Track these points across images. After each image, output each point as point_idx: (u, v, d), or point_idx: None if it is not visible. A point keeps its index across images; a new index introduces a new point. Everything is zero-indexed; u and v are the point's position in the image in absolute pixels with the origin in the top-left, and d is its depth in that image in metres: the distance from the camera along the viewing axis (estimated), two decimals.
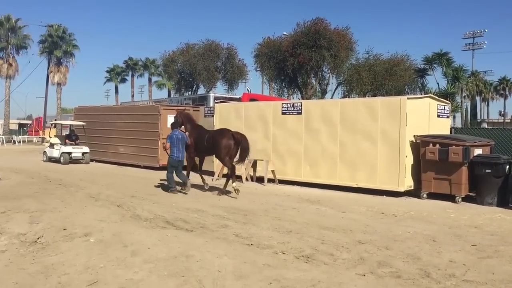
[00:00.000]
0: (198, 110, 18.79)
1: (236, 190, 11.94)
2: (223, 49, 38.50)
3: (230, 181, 12.44)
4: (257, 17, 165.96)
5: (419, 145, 12.31)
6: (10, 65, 47.06)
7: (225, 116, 16.68)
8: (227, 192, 12.35)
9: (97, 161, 21.70)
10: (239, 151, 12.62)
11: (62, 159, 20.77)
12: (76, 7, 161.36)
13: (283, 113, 15.00)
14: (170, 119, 18.78)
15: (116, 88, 67.00)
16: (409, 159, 12.38)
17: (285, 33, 33.76)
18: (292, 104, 14.93)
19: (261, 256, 6.16)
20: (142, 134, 19.53)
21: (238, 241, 7.06)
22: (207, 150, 13.26)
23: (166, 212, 9.58)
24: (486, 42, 68.67)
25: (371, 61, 29.55)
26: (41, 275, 5.38)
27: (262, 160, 15.14)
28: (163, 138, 18.65)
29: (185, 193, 12.33)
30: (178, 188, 12.68)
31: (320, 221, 8.92)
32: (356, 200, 11.82)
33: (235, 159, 12.75)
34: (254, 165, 15.43)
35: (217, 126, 16.81)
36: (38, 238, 7.12)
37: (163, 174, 17.37)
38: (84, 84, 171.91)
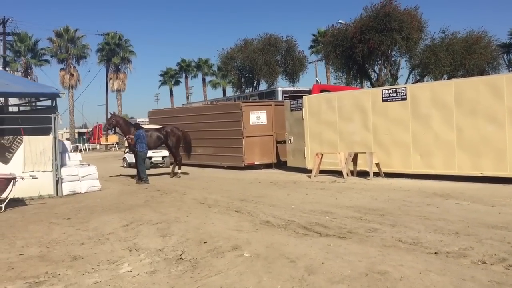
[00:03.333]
0: (283, 105, 17.84)
1: (176, 174, 16.73)
2: (283, 42, 37.44)
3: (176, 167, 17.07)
4: (311, 7, 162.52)
5: None
6: (72, 75, 47.98)
7: (315, 108, 15.67)
8: (174, 175, 16.79)
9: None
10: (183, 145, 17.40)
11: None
12: (128, 12, 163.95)
13: (384, 100, 13.83)
14: (253, 116, 18.08)
15: (171, 90, 67.33)
16: None
17: (340, 20, 32.33)
18: (394, 89, 13.73)
19: (467, 269, 5.10)
20: (224, 134, 18.85)
21: (412, 248, 6.03)
22: (157, 146, 17.52)
23: (293, 215, 8.70)
24: None
25: (448, 40, 27.64)
26: None
27: (364, 152, 14.03)
28: (247, 136, 18.03)
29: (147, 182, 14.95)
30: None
31: (477, 218, 7.76)
32: (492, 191, 10.55)
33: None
34: (354, 158, 14.35)
35: (307, 119, 15.88)
36: (181, 254, 6.36)
37: (251, 174, 16.78)
38: (139, 89, 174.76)
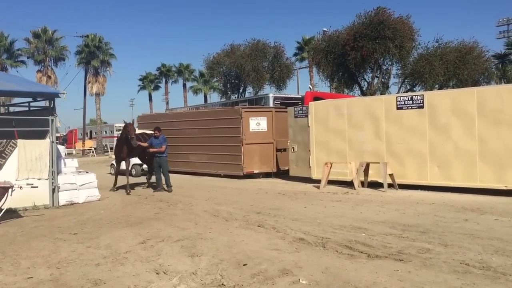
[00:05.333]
0: (284, 112, 17.08)
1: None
2: (270, 48, 36.77)
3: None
4: (296, 14, 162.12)
5: None
6: (49, 77, 46.23)
7: (322, 115, 14.96)
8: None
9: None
10: None
11: (133, 172, 19.27)
12: (108, 14, 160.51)
13: (398, 108, 13.21)
14: (252, 122, 17.28)
15: (150, 95, 66.10)
16: None
17: (324, 28, 31.93)
18: (410, 97, 13.12)
19: None
20: (222, 140, 17.95)
21: (491, 275, 5.29)
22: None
23: (324, 231, 7.91)
24: None
25: (442, 49, 27.42)
26: None
27: (377, 162, 13.36)
28: (246, 144, 17.21)
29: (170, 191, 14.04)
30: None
31: None
32: None
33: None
34: (366, 168, 13.67)
35: (313, 126, 15.16)
36: (221, 279, 5.48)
37: (253, 183, 15.91)
38: (115, 94, 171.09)
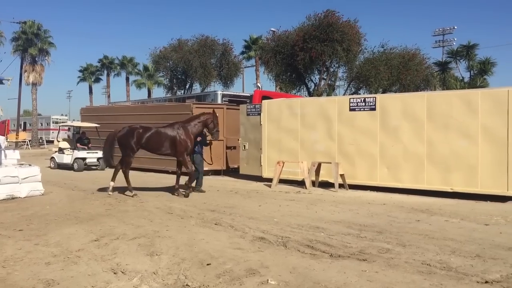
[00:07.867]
0: (236, 109, 16.90)
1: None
2: (219, 44, 36.50)
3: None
4: (244, 12, 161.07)
5: None
6: None
7: (275, 114, 14.93)
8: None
9: (111, 167, 19.41)
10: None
11: (75, 166, 18.42)
12: (48, 3, 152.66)
13: (351, 110, 13.40)
14: None
15: (90, 88, 64.00)
16: None
17: (272, 28, 32.10)
18: (362, 99, 13.34)
19: None
20: None
21: (454, 276, 5.37)
22: None
23: (282, 231, 7.84)
24: (455, 39, 68.28)
25: (387, 54, 28.22)
26: None
27: (328, 163, 13.49)
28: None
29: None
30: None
31: (485, 239, 7.31)
32: (468, 208, 10.38)
33: None
34: (317, 168, 13.77)
35: (265, 125, 15.10)
36: (185, 279, 5.25)
37: (203, 180, 15.53)
38: (52, 84, 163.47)
